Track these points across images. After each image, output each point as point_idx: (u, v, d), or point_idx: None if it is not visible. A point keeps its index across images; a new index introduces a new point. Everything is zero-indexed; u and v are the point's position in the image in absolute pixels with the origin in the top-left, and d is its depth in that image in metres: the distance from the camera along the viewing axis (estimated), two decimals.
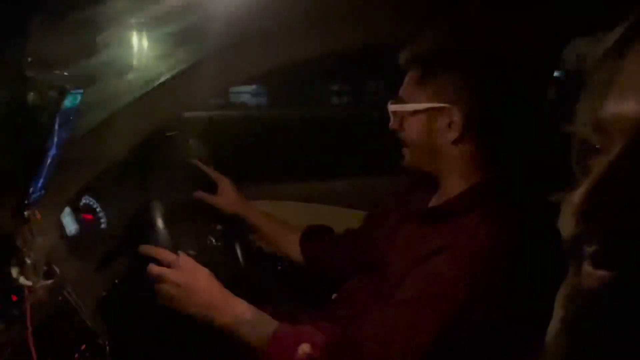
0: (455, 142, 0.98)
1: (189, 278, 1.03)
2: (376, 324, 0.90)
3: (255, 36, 1.25)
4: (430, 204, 1.05)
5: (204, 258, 1.37)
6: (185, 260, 1.06)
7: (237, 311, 1.02)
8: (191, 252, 1.34)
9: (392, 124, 1.05)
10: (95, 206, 1.48)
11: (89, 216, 1.46)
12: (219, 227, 1.50)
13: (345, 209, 1.80)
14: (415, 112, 0.99)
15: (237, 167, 1.76)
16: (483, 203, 0.96)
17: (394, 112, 1.03)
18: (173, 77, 1.23)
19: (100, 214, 1.49)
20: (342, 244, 1.33)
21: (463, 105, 0.96)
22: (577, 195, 0.32)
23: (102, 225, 1.48)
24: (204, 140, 1.64)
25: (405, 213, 1.11)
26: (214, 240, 1.44)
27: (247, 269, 1.52)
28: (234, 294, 1.52)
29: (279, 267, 1.83)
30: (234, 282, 1.45)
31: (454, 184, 1.01)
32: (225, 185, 1.46)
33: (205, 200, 1.44)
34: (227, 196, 1.45)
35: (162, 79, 1.21)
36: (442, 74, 0.98)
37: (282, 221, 1.50)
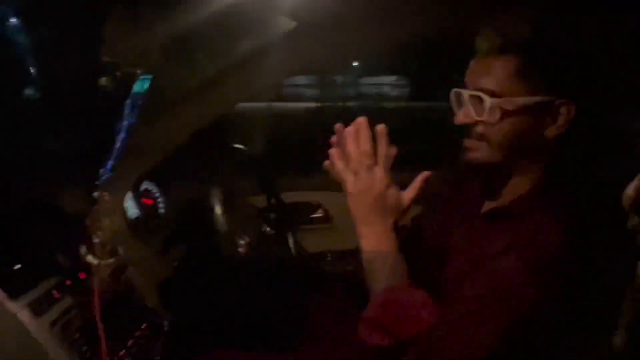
0: (552, 138, 0.91)
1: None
2: (443, 323, 0.88)
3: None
4: (494, 202, 1.00)
5: (258, 245, 1.40)
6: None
7: (384, 244, 0.96)
8: (246, 238, 1.37)
9: (465, 117, 0.95)
10: (154, 191, 1.53)
11: (149, 201, 1.51)
12: (272, 215, 1.52)
13: None
14: (511, 104, 0.90)
15: None
16: (553, 202, 0.92)
17: (476, 105, 0.92)
18: (237, 65, 1.25)
19: (159, 200, 1.54)
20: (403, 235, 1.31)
21: (573, 98, 0.89)
22: (630, 188, 0.30)
23: (161, 210, 1.53)
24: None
25: (463, 210, 1.08)
26: (267, 228, 1.46)
27: (298, 257, 1.53)
28: (284, 281, 1.54)
29: (329, 258, 1.84)
30: (284, 269, 1.47)
31: (524, 181, 0.96)
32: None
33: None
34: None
35: (226, 67, 1.22)
36: (549, 64, 0.89)
37: None
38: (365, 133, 0.96)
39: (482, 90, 0.91)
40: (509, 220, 0.93)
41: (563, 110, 0.89)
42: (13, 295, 0.88)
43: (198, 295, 1.33)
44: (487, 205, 1.02)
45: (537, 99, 0.89)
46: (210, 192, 1.35)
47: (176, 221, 1.50)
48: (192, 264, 1.38)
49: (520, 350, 0.85)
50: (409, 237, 1.27)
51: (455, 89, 0.98)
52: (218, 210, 1.27)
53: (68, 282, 0.98)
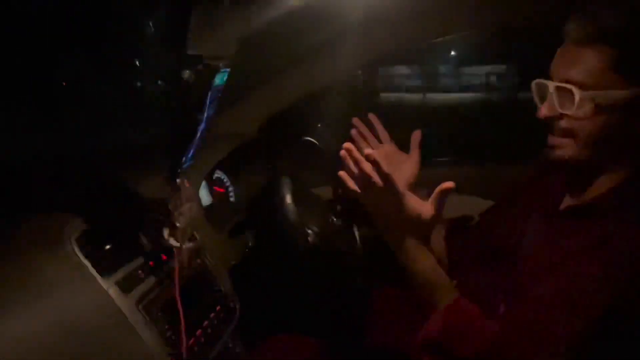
0: None
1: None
2: (517, 321, 0.86)
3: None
4: (575, 199, 0.95)
5: (324, 235, 1.42)
6: None
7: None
8: (314, 228, 1.40)
9: (549, 110, 0.88)
10: (225, 180, 1.59)
11: (221, 189, 1.58)
12: (339, 207, 1.54)
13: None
14: (604, 97, 0.83)
15: None
16: (637, 201, 0.87)
17: (563, 98, 0.86)
18: (308, 57, 1.28)
19: (230, 189, 1.60)
20: (476, 231, 1.28)
21: None
22: None
23: (232, 199, 1.59)
24: None
25: (540, 205, 1.04)
26: (334, 219, 1.48)
27: (363, 249, 1.54)
28: (349, 273, 1.56)
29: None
30: (349, 261, 1.49)
31: (608, 179, 0.90)
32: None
33: None
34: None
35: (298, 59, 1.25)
36: None
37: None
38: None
39: (570, 82, 0.85)
40: (591, 219, 0.88)
41: None
42: (104, 272, 0.95)
43: (266, 281, 1.37)
44: (567, 202, 0.98)
45: (633, 92, 0.82)
46: (279, 182, 1.38)
47: (246, 209, 1.56)
48: (261, 251, 1.43)
49: (592, 351, 0.82)
50: (479, 229, 1.25)
51: (537, 80, 0.92)
52: (288, 199, 1.31)
53: (151, 263, 1.04)
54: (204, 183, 1.44)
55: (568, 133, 0.88)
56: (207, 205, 1.45)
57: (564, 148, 0.89)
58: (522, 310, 0.86)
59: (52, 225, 0.95)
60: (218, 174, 1.56)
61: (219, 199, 1.53)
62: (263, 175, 1.63)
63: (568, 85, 0.84)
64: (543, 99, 0.91)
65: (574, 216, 0.93)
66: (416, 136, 1.12)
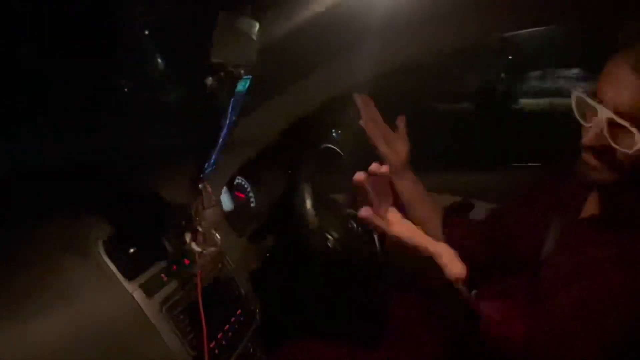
0: None
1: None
2: (541, 327, 0.85)
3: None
4: (603, 208, 0.93)
5: (344, 241, 1.43)
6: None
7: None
8: (334, 234, 1.40)
9: (598, 140, 0.81)
10: (246, 186, 1.61)
11: (241, 195, 1.60)
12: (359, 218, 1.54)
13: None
14: None
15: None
16: None
17: (617, 131, 0.79)
18: (324, 65, 1.29)
19: (250, 194, 1.61)
20: (484, 230, 1.28)
21: None
22: None
23: (252, 204, 1.60)
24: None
25: (564, 211, 1.03)
26: (354, 225, 1.48)
27: (383, 254, 1.54)
28: (368, 277, 1.56)
29: None
30: (369, 266, 1.49)
31: (635, 191, 0.87)
32: (374, 112, 1.34)
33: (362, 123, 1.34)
34: (377, 122, 1.33)
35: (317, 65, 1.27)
36: None
37: (430, 200, 1.39)
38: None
39: (628, 116, 0.76)
40: (618, 230, 0.86)
41: None
42: (129, 276, 0.97)
43: (287, 286, 1.38)
44: (592, 210, 0.96)
45: None
46: (299, 187, 1.39)
47: (267, 214, 1.57)
48: (281, 256, 1.44)
49: None
50: (493, 229, 1.23)
51: (579, 94, 0.84)
52: (308, 205, 1.32)
53: (174, 267, 1.06)
54: (225, 188, 1.46)
55: (612, 163, 0.82)
56: (229, 211, 1.47)
57: (602, 173, 0.84)
58: (547, 318, 0.85)
59: (78, 228, 0.97)
60: (239, 179, 1.58)
61: (240, 204, 1.54)
62: (284, 181, 1.64)
63: (627, 124, 0.77)
64: (584, 116, 0.84)
65: (601, 226, 0.90)
66: (401, 120, 1.31)
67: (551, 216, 1.04)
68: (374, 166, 0.87)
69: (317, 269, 1.39)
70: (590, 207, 0.97)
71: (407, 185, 1.31)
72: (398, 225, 0.94)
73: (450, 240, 1.29)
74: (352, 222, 1.49)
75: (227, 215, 1.42)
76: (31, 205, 1.04)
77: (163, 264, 1.05)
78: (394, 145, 1.30)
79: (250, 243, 1.45)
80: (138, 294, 0.96)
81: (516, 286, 1.05)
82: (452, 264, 0.94)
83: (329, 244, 1.33)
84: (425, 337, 1.29)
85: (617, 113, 0.78)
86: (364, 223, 1.36)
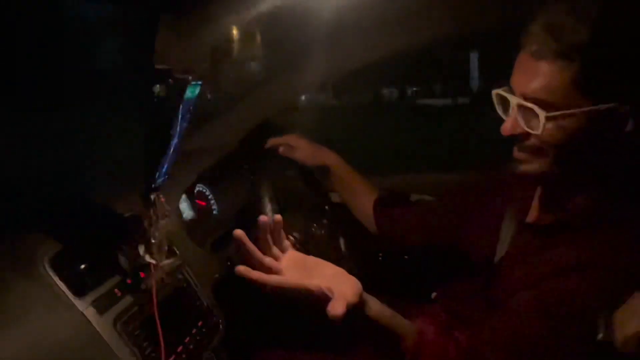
0: (617, 146, 0.82)
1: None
2: (496, 336, 0.85)
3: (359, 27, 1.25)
4: (553, 213, 0.92)
5: (308, 245, 1.41)
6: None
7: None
8: (296, 234, 1.39)
9: (514, 128, 0.84)
10: (207, 193, 1.58)
11: (202, 202, 1.56)
12: (322, 215, 1.53)
13: None
14: (569, 116, 0.78)
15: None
16: (624, 213, 0.84)
17: (528, 115, 0.82)
18: (280, 72, 1.28)
19: (212, 201, 1.58)
20: (420, 219, 1.29)
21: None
22: None
23: (214, 212, 1.57)
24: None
25: (512, 216, 1.02)
26: (318, 229, 1.47)
27: (349, 258, 1.53)
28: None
29: (380, 258, 1.83)
30: None
31: (587, 192, 0.87)
32: (296, 139, 1.48)
33: (285, 154, 1.47)
34: (303, 148, 1.47)
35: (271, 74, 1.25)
36: (613, 69, 0.77)
37: (362, 178, 1.46)
38: None
39: (533, 100, 0.80)
40: (572, 235, 0.85)
41: (629, 116, 0.79)
42: (79, 293, 0.94)
43: (251, 294, 1.36)
44: (541, 215, 0.95)
45: (600, 108, 0.78)
46: (259, 190, 1.37)
47: (230, 221, 1.54)
48: (243, 263, 1.41)
49: None
50: (437, 221, 1.24)
51: (497, 91, 0.87)
52: (267, 207, 1.30)
53: (129, 281, 1.03)
54: (185, 197, 1.43)
55: (534, 150, 0.84)
56: (189, 219, 1.44)
57: (531, 163, 0.86)
58: (500, 322, 0.85)
59: (23, 247, 0.94)
60: (200, 187, 1.55)
61: (202, 212, 1.51)
62: (246, 186, 1.62)
63: (531, 105, 0.80)
64: (505, 111, 0.87)
65: (554, 231, 0.90)
66: None
67: (501, 219, 1.04)
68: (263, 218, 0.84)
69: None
70: (535, 209, 0.97)
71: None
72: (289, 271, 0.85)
73: (379, 218, 1.33)
74: (315, 225, 1.48)
75: (188, 224, 1.39)
76: None
77: (117, 278, 1.02)
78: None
79: (212, 252, 1.42)
80: (89, 312, 0.93)
81: (471, 291, 1.05)
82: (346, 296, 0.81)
83: (290, 243, 1.31)
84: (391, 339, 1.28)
85: (524, 98, 0.81)
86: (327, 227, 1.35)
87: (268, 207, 1.30)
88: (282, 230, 0.88)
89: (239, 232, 0.81)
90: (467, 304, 1.05)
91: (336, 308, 0.76)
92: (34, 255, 0.92)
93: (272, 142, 1.52)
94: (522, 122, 0.83)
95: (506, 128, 0.85)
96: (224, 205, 1.58)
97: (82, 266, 0.97)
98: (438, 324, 0.97)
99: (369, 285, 1.52)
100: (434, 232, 1.23)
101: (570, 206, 0.89)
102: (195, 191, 1.53)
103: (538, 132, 0.80)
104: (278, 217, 0.86)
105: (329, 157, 1.47)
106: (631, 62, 0.78)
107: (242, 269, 0.81)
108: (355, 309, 0.82)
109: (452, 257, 1.16)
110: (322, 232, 1.49)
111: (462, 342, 0.90)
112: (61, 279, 0.92)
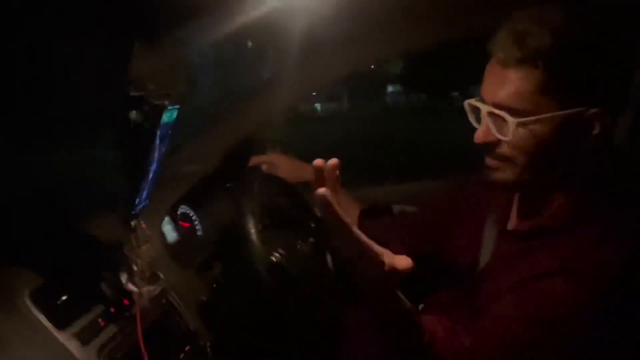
0: (589, 149, 0.83)
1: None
2: (477, 342, 0.85)
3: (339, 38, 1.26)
4: (531, 219, 0.93)
5: (295, 263, 1.40)
6: None
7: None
8: (281, 251, 1.38)
9: (485, 136, 0.85)
10: (191, 215, 1.57)
11: (186, 224, 1.55)
12: (308, 231, 1.52)
13: None
14: (538, 122, 0.80)
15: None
16: (602, 215, 0.84)
17: (498, 122, 0.83)
18: (261, 87, 1.28)
19: (196, 222, 1.57)
20: (401, 231, 1.28)
21: (608, 107, 0.80)
22: None
23: (199, 233, 1.56)
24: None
25: (492, 222, 1.03)
26: (305, 247, 1.46)
27: (337, 275, 1.53)
28: (322, 299, 1.54)
29: None
30: (322, 287, 1.47)
31: (563, 195, 0.88)
32: (278, 157, 1.51)
33: (267, 172, 1.48)
34: (285, 165, 1.49)
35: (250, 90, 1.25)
36: (578, 73, 0.79)
37: (346, 192, 1.44)
38: None
39: (502, 107, 0.81)
40: (552, 238, 0.86)
41: (597, 119, 0.80)
42: (61, 325, 0.92)
43: (236, 315, 1.35)
44: (522, 223, 0.96)
45: (567, 112, 0.79)
46: (242, 207, 1.37)
47: (215, 242, 1.53)
48: (228, 284, 1.41)
49: None
50: (421, 231, 1.24)
51: (469, 101, 0.89)
52: (251, 227, 1.29)
53: (112, 310, 1.02)
54: (168, 219, 1.42)
55: (506, 157, 0.85)
56: (173, 242, 1.43)
57: (503, 171, 0.87)
58: (482, 327, 0.86)
59: (2, 280, 0.92)
60: (183, 208, 1.54)
61: (186, 234, 1.50)
62: (230, 204, 1.61)
63: (500, 112, 0.82)
64: (477, 120, 0.88)
65: (532, 236, 0.90)
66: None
67: (482, 226, 1.05)
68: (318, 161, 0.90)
69: (265, 294, 1.36)
70: (515, 215, 0.98)
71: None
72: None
73: (364, 232, 1.30)
74: (301, 241, 1.47)
75: (171, 247, 1.37)
76: None
77: (100, 308, 1.01)
78: None
79: (197, 274, 1.41)
80: (72, 344, 0.92)
81: (456, 300, 1.05)
82: (397, 258, 0.87)
83: (277, 262, 1.30)
84: (377, 353, 1.28)
85: (494, 105, 0.83)
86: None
87: (249, 222, 1.29)
88: (338, 176, 0.92)
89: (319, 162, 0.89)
90: (454, 313, 1.05)
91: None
92: (13, 289, 0.91)
93: (254, 160, 1.52)
94: (493, 130, 0.84)
95: (478, 136, 0.87)
96: (208, 226, 1.57)
97: (64, 297, 0.96)
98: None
99: (355, 299, 1.52)
100: (417, 244, 1.23)
101: (548, 211, 0.90)
102: (178, 213, 1.52)
103: (509, 138, 0.82)
104: (334, 160, 0.90)
105: (311, 173, 1.46)
106: (595, 66, 0.79)
107: (324, 190, 0.77)
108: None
109: (437, 267, 1.16)
110: (308, 248, 1.48)
111: (447, 349, 0.89)
112: (42, 311, 0.91)
